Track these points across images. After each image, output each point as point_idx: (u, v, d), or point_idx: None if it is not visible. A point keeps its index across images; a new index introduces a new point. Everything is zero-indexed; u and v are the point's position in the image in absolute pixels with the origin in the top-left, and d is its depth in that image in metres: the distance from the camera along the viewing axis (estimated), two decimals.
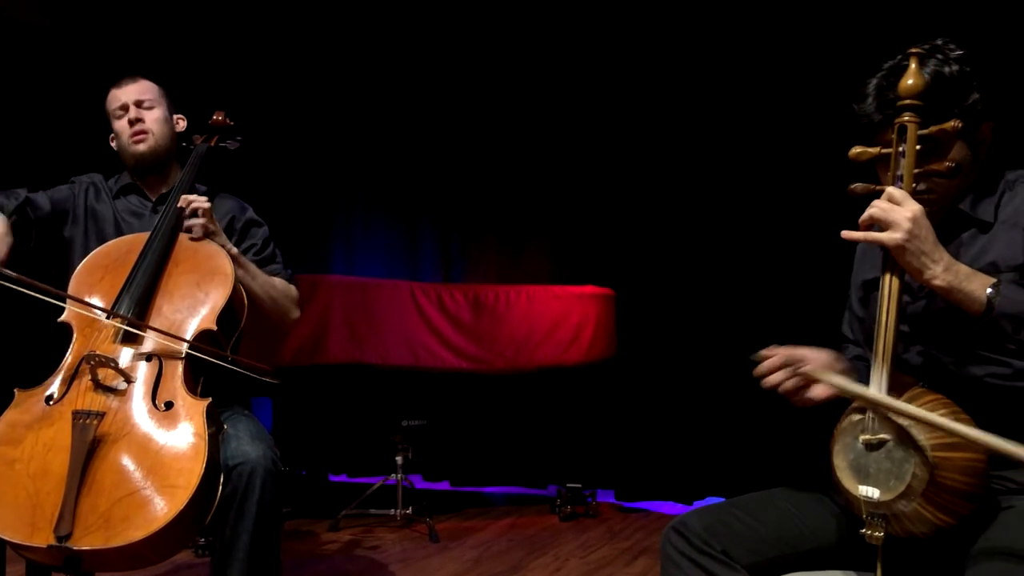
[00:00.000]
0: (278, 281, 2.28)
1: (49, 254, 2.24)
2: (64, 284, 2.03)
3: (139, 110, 2.27)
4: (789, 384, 1.44)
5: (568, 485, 4.04)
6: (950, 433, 1.25)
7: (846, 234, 1.36)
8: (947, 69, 1.42)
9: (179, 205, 2.10)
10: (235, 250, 2.16)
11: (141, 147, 2.26)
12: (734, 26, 4.09)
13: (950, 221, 1.47)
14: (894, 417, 1.30)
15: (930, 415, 1.27)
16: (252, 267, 2.20)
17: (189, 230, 2.11)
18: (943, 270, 1.30)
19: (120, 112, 2.28)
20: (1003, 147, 1.56)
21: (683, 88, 4.24)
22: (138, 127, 2.26)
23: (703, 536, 1.47)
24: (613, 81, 4.41)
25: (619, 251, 4.39)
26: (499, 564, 3.25)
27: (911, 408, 1.29)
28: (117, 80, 2.33)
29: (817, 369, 1.43)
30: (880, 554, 1.33)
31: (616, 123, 4.41)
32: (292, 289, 2.32)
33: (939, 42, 1.45)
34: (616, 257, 4.38)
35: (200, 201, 2.11)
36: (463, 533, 3.73)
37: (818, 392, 1.43)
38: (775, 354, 1.45)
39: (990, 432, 1.21)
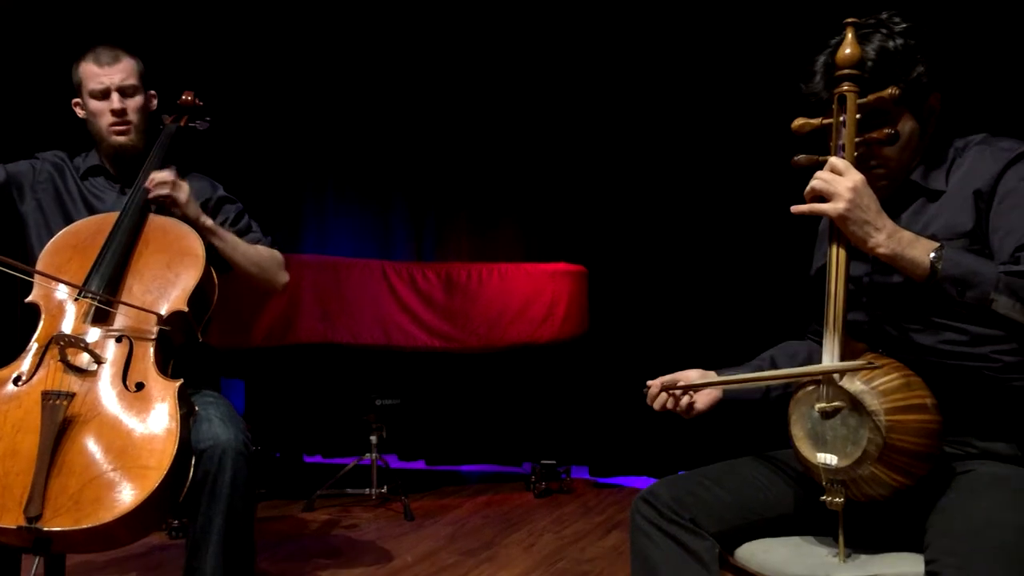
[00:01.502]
0: (261, 248, 2.26)
1: (2, 229, 2.19)
2: (22, 262, 2.00)
3: (123, 99, 2.18)
4: (672, 403, 1.60)
5: (542, 462, 4.07)
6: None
7: (795, 208, 1.39)
8: (892, 43, 1.43)
9: (145, 185, 2.08)
10: (210, 222, 2.15)
11: (122, 139, 2.19)
12: (698, 5, 4.09)
13: (903, 192, 1.50)
14: (844, 384, 1.34)
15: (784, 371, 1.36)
16: (231, 237, 2.18)
17: (162, 207, 2.10)
18: (886, 237, 1.32)
19: (100, 94, 2.17)
20: (953, 116, 1.59)
21: (652, 67, 4.24)
22: (121, 119, 2.18)
23: (671, 505, 1.50)
24: (583, 61, 4.41)
25: (591, 228, 4.40)
26: (474, 541, 3.28)
27: (781, 371, 1.40)
28: (93, 49, 2.20)
29: (695, 379, 1.59)
30: (841, 519, 1.36)
31: (587, 102, 4.41)
32: (277, 254, 2.30)
33: (883, 16, 1.47)
34: (588, 234, 4.39)
35: (161, 176, 2.08)
36: (438, 511, 3.75)
37: (699, 404, 1.61)
38: (653, 384, 1.60)
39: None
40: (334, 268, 3.68)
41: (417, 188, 4.85)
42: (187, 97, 2.40)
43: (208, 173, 2.39)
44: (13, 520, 1.58)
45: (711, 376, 1.63)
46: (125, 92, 2.19)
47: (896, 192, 1.49)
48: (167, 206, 2.11)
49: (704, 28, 4.11)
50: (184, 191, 2.10)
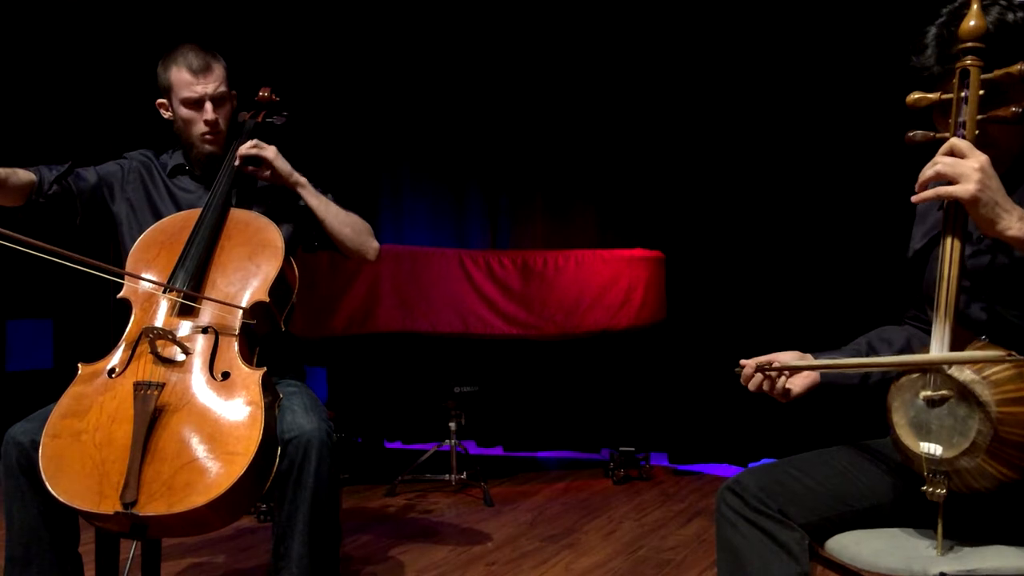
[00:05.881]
0: (352, 213, 2.32)
1: (98, 230, 2.25)
2: (119, 260, 2.07)
3: (216, 110, 2.19)
4: (767, 386, 1.52)
5: (621, 448, 4.05)
6: (979, 362, 1.24)
7: (917, 197, 1.31)
8: (1011, 16, 1.35)
9: (235, 162, 2.17)
10: (303, 179, 2.23)
11: (210, 148, 2.23)
12: None
13: (1015, 174, 1.42)
14: (953, 373, 1.27)
15: (935, 356, 1.26)
16: (323, 197, 2.26)
17: (243, 198, 2.16)
18: (1018, 220, 1.25)
19: (193, 103, 2.19)
20: None
21: (731, 46, 4.15)
22: (213, 128, 2.20)
23: (759, 495, 1.45)
24: (660, 41, 4.33)
25: (668, 213, 4.34)
26: (554, 527, 3.28)
27: (887, 359, 1.33)
28: (183, 52, 2.19)
29: (791, 361, 1.50)
30: (941, 511, 1.31)
31: (664, 84, 4.34)
32: (366, 222, 2.35)
33: None
34: (665, 219, 4.33)
35: (246, 145, 2.17)
36: (517, 497, 3.76)
37: (795, 388, 1.53)
38: (748, 363, 1.52)
39: None
40: (412, 257, 3.71)
41: (492, 175, 4.86)
42: (264, 93, 2.43)
43: None
44: (111, 506, 1.64)
45: (808, 359, 1.55)
46: (217, 101, 2.20)
47: (1007, 174, 1.41)
48: (260, 175, 2.20)
49: (773, 6, 3.99)
50: (272, 149, 2.19)
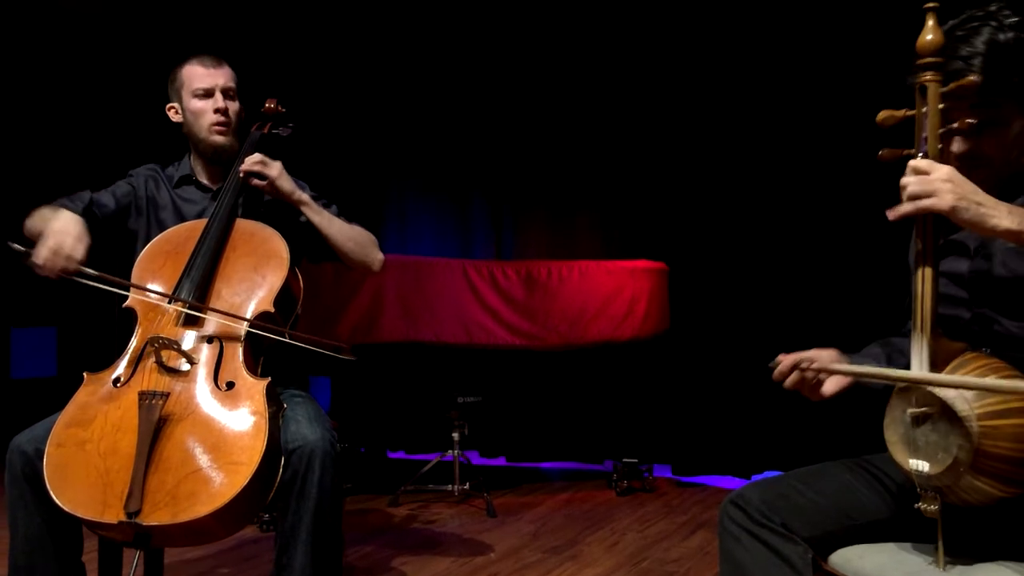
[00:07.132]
0: (356, 225, 2.33)
1: (114, 247, 2.26)
2: (126, 271, 2.08)
3: (226, 100, 2.25)
4: (806, 387, 1.51)
5: (624, 460, 4.04)
6: (985, 389, 1.22)
7: (892, 214, 1.30)
8: (1002, 36, 1.38)
9: (239, 175, 2.17)
10: (305, 196, 2.23)
11: (220, 139, 2.25)
12: None
13: (1010, 186, 1.42)
14: (933, 389, 1.27)
15: (946, 377, 1.25)
16: (326, 212, 2.26)
17: (250, 208, 2.17)
18: (1007, 213, 1.24)
19: (203, 93, 2.24)
20: None
21: (733, 59, 4.16)
22: (223, 118, 2.24)
23: (762, 509, 1.46)
24: (664, 54, 4.35)
25: (672, 224, 4.34)
26: (556, 538, 3.28)
27: (933, 376, 1.28)
28: (195, 55, 2.28)
29: (827, 363, 1.49)
30: (940, 526, 1.31)
31: (668, 95, 4.35)
32: (370, 233, 2.36)
33: (992, 8, 1.41)
34: (669, 230, 4.34)
35: (252, 158, 2.17)
36: (520, 508, 3.76)
37: (827, 388, 1.52)
38: (785, 359, 1.52)
39: None
40: (416, 268, 3.72)
41: (496, 186, 4.87)
42: (270, 105, 2.45)
43: (290, 175, 2.44)
44: (115, 515, 1.65)
45: (845, 360, 1.54)
46: (227, 94, 2.26)
47: (1001, 186, 1.42)
48: (263, 189, 2.20)
49: (783, 17, 4.01)
50: (276, 167, 2.19)
